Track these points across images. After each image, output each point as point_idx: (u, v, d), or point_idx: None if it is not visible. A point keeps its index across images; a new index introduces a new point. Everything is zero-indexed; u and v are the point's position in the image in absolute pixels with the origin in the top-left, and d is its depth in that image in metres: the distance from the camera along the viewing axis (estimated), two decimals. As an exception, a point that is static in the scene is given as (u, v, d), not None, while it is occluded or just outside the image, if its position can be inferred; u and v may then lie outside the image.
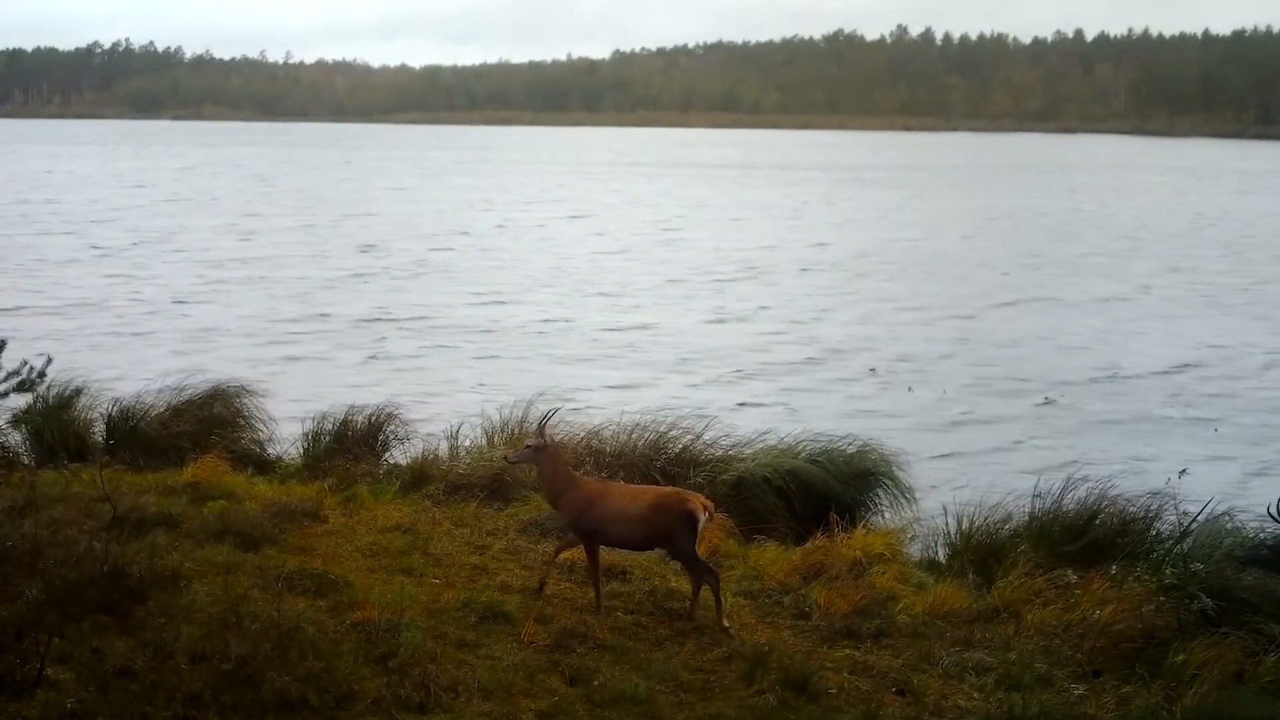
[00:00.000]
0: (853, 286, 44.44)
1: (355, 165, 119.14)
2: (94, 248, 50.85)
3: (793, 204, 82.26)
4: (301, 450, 17.01)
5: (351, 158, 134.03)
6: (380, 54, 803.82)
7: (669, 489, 12.16)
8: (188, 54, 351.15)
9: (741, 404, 25.20)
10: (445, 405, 23.07)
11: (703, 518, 11.13)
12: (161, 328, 33.52)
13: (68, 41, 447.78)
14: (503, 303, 39.16)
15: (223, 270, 45.16)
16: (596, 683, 9.59)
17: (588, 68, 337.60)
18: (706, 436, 16.21)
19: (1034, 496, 13.83)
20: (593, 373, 28.72)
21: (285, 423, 18.07)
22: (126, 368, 26.39)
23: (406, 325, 34.84)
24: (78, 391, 16.74)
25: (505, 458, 12.99)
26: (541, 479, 12.05)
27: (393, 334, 33.56)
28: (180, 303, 37.76)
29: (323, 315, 36.05)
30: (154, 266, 45.90)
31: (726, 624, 10.92)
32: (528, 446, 11.82)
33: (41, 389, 12.07)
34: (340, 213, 68.84)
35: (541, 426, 12.18)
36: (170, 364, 25.40)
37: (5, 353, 10.59)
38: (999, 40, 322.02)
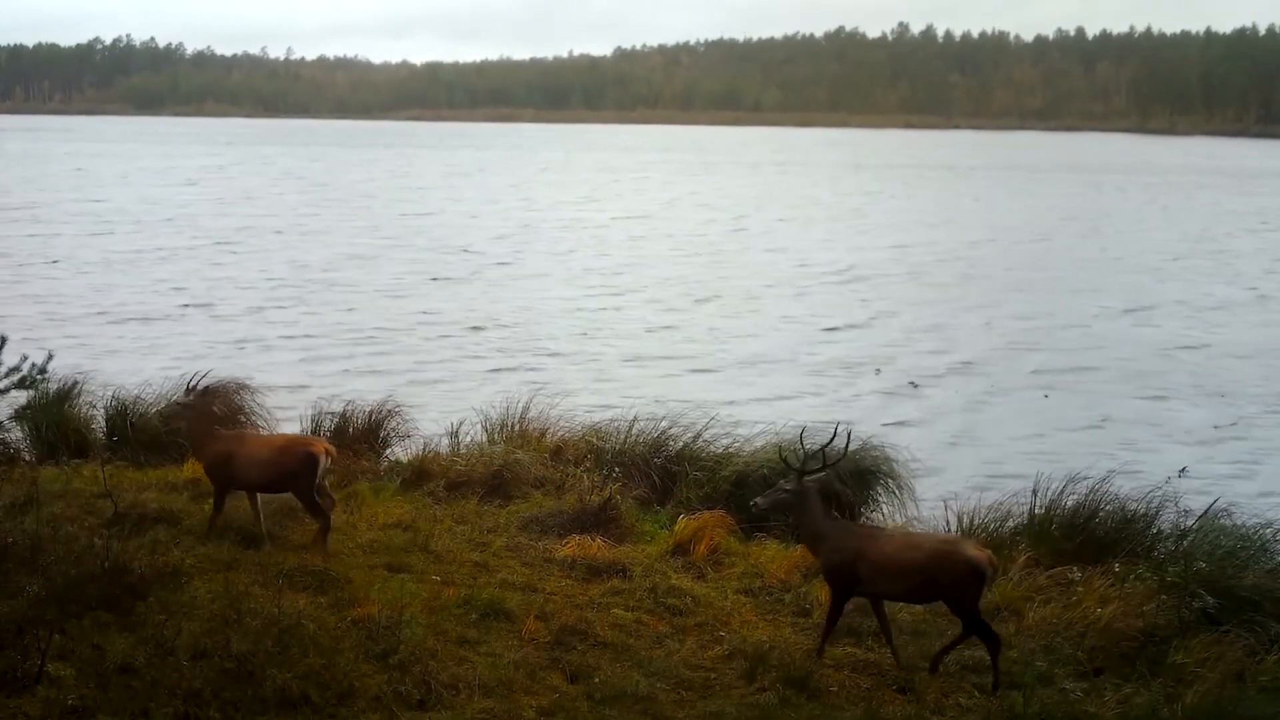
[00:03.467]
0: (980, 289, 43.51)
1: (392, 165, 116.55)
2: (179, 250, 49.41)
3: (857, 202, 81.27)
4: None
5: (378, 156, 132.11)
6: (382, 51, 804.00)
7: (298, 437, 13.92)
8: (189, 50, 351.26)
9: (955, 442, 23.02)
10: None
11: (323, 460, 12.17)
12: (332, 332, 32.64)
13: (69, 38, 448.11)
14: (675, 311, 37.82)
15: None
16: (597, 680, 9.62)
17: (589, 65, 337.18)
18: (706, 434, 16.21)
19: (1034, 493, 13.81)
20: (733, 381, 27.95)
21: (287, 424, 18.06)
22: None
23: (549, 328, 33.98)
24: (76, 386, 16.69)
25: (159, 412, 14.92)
26: (188, 434, 13.29)
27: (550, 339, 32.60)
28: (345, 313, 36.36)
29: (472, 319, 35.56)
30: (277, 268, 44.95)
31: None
32: (176, 403, 13.04)
33: (42, 385, 12.02)
34: (404, 212, 67.94)
35: (189, 388, 13.11)
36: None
37: (5, 349, 10.58)
38: (1000, 38, 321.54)
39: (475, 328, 33.59)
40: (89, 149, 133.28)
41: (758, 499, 11.32)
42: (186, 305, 35.79)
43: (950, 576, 9.92)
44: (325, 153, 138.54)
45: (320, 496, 12.43)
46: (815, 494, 10.76)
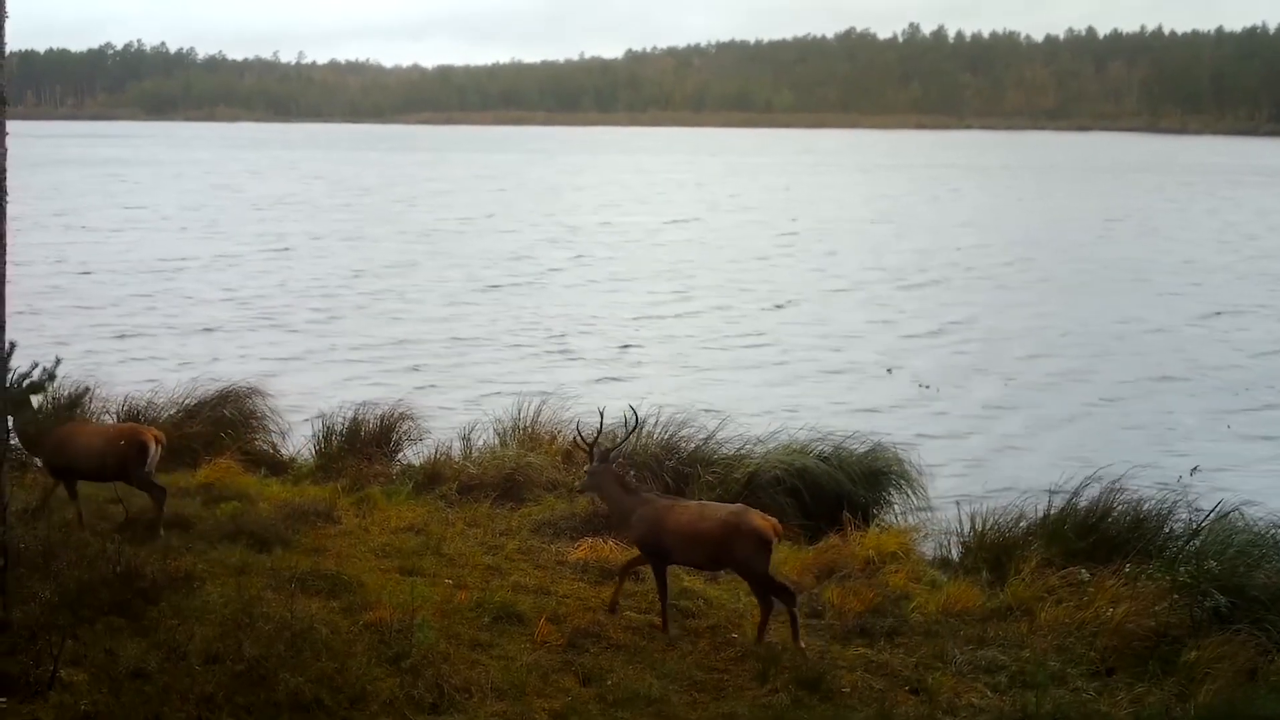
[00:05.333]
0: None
1: (423, 169, 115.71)
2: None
3: (901, 203, 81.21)
4: (314, 451, 17.01)
5: (403, 160, 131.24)
6: (394, 54, 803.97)
7: (128, 425, 14.23)
8: (200, 55, 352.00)
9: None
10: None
11: (153, 448, 12.73)
12: (424, 337, 32.74)
13: (80, 43, 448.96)
14: (749, 316, 37.51)
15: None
16: (610, 682, 9.61)
17: (601, 67, 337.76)
18: (719, 435, 16.21)
19: (1049, 493, 13.81)
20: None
21: (301, 428, 18.11)
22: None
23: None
24: (87, 392, 16.70)
25: None
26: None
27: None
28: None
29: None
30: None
31: None
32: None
33: (51, 390, 12.05)
34: (446, 218, 67.70)
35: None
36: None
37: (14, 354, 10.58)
38: (1011, 38, 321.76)
39: (556, 335, 33.63)
40: (134, 154, 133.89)
41: (576, 484, 12.67)
42: (251, 316, 35.93)
43: (738, 543, 10.55)
44: (353, 157, 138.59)
45: (149, 487, 12.82)
46: (612, 475, 11.44)
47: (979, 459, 21.42)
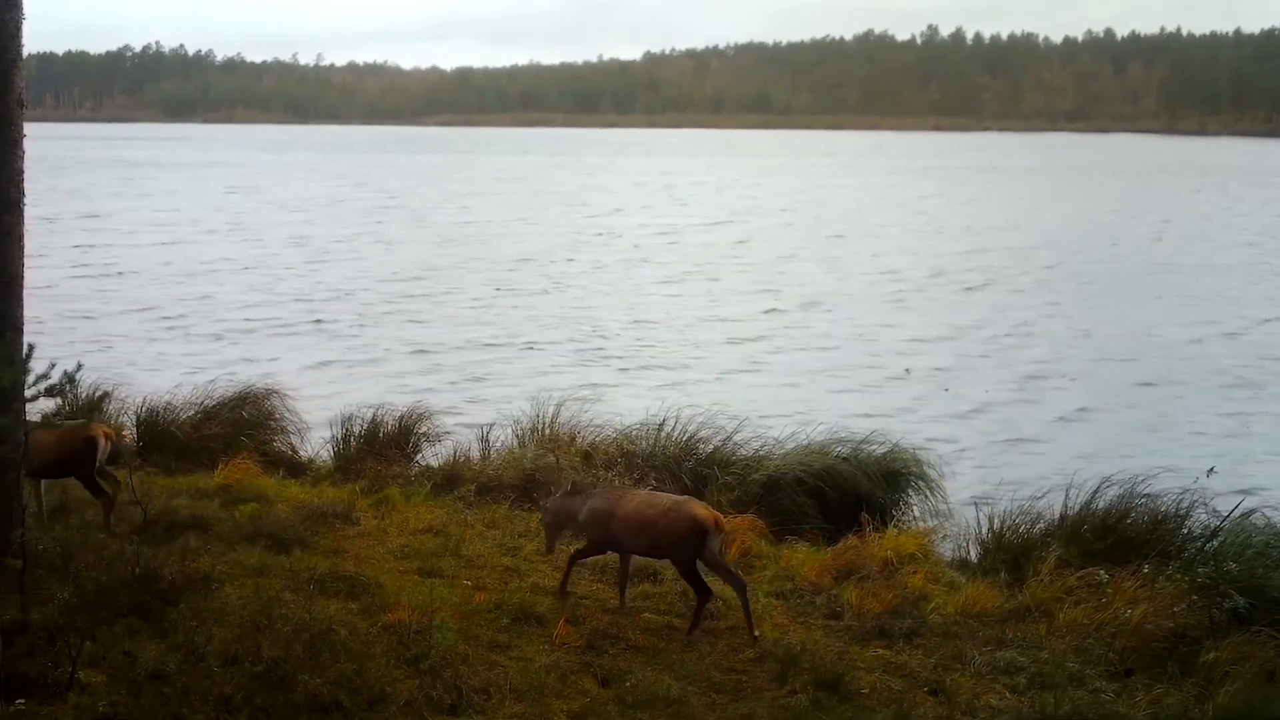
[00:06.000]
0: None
1: (451, 171, 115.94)
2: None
3: (934, 204, 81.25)
4: (333, 452, 17.01)
5: (429, 162, 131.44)
6: (412, 56, 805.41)
7: (78, 423, 13.52)
8: (219, 57, 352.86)
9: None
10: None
11: (102, 444, 12.80)
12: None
13: (98, 45, 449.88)
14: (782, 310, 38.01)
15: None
16: (629, 684, 9.59)
17: (619, 69, 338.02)
18: (738, 436, 16.20)
19: (1066, 494, 13.78)
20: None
21: (317, 430, 18.11)
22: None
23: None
24: (106, 396, 16.69)
25: None
26: None
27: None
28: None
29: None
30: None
31: None
32: None
33: (71, 393, 12.11)
34: (482, 219, 68.05)
35: None
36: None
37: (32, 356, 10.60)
38: (1030, 40, 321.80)
39: (585, 335, 33.79)
40: (158, 156, 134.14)
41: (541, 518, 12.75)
42: (319, 320, 36.07)
43: (676, 531, 10.89)
44: (378, 159, 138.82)
45: (104, 479, 12.93)
46: (558, 500, 11.92)
47: (1008, 460, 21.46)
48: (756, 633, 10.75)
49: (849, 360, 30.95)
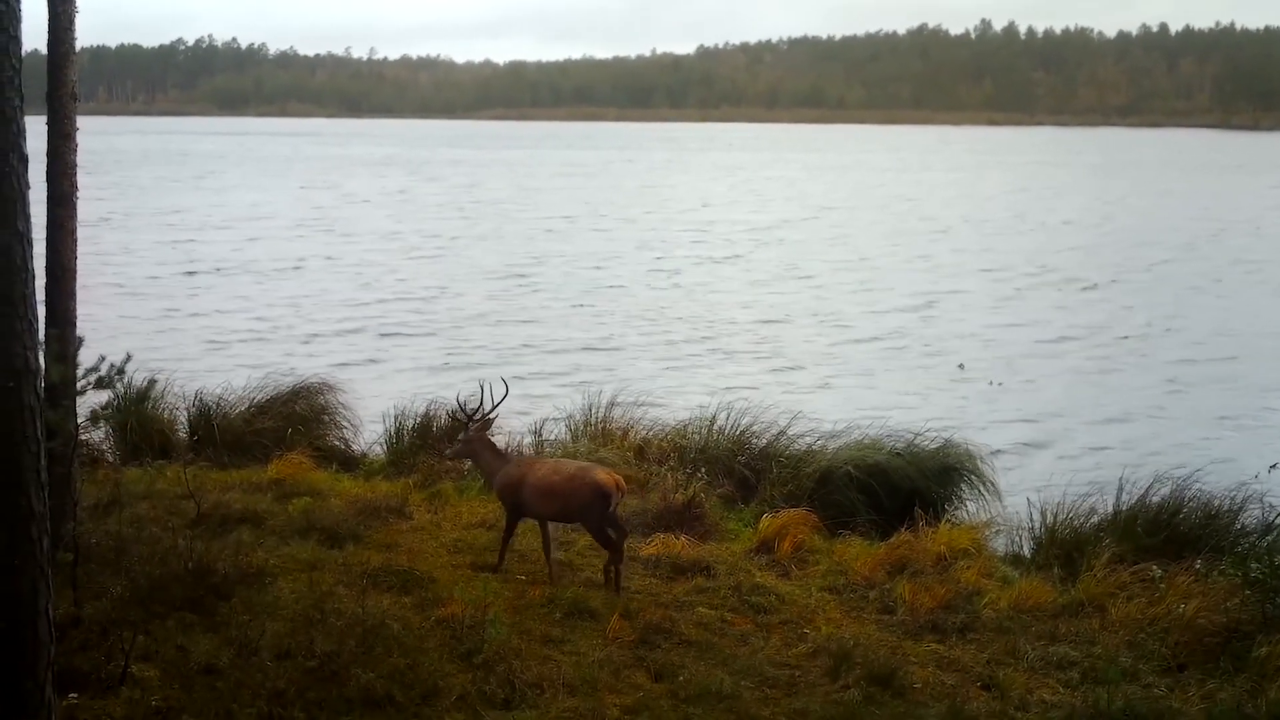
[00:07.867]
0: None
1: (523, 167, 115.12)
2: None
3: (1022, 199, 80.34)
4: (386, 447, 17.01)
5: (497, 157, 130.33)
6: (465, 51, 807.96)
7: None
8: (272, 51, 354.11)
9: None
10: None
11: None
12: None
13: (151, 38, 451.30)
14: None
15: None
16: (682, 678, 9.55)
17: (673, 63, 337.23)
18: (791, 431, 16.12)
19: (1119, 489, 13.70)
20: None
21: (372, 424, 18.07)
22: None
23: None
24: (154, 386, 16.62)
25: None
26: None
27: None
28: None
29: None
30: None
31: None
32: None
33: (120, 385, 12.10)
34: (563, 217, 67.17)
35: None
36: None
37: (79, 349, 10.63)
38: (1083, 35, 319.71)
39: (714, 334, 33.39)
40: (219, 148, 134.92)
41: (446, 450, 14.15)
42: (364, 312, 36.10)
43: (581, 496, 11.44)
44: (444, 155, 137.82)
45: None
46: (484, 441, 12.44)
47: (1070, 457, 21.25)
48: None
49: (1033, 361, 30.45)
